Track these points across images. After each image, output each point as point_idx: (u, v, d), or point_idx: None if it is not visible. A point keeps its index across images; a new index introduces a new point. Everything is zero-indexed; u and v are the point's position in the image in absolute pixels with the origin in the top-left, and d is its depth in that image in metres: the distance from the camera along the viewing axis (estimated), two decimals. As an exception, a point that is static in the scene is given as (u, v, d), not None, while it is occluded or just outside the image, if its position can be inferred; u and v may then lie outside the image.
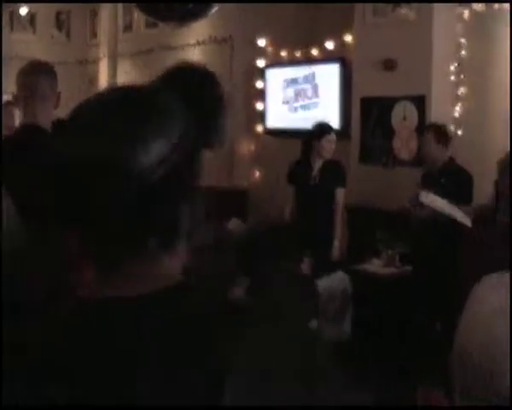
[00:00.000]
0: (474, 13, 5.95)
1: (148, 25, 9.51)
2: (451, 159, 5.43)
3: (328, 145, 5.69)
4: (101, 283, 1.07)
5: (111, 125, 1.03)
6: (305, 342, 1.21)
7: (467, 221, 4.67)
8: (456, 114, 6.07)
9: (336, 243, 5.64)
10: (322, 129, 5.78)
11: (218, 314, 1.05)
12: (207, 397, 0.97)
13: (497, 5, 5.77)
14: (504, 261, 4.36)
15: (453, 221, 4.95)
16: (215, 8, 5.30)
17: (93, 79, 10.85)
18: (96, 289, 1.07)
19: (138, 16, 9.70)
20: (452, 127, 6.03)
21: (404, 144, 6.02)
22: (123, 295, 1.04)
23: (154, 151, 1.02)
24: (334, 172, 5.71)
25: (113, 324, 1.01)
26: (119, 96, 1.10)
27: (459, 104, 6.06)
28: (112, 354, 0.99)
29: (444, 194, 5.01)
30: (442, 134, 5.40)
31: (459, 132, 6.05)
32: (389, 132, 6.26)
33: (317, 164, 5.73)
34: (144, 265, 1.06)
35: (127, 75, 10.11)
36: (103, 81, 10.56)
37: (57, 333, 1.04)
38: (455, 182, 5.19)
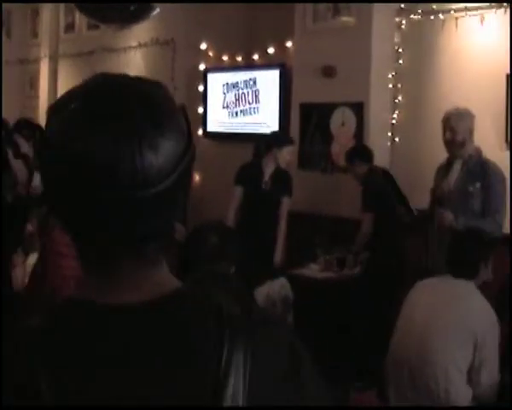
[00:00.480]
0: (411, 21, 6.06)
1: (90, 26, 9.41)
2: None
3: (288, 156, 5.75)
4: (97, 287, 1.03)
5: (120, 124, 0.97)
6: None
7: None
8: (394, 121, 6.18)
9: (278, 250, 5.64)
10: (287, 139, 5.92)
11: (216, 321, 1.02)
12: (206, 402, 0.97)
13: (433, 16, 5.88)
14: (439, 267, 4.46)
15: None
16: (157, 11, 5.29)
17: (33, 79, 10.71)
18: (90, 293, 1.03)
19: (80, 17, 9.59)
20: (390, 134, 6.13)
21: (343, 150, 6.09)
22: (126, 301, 1.01)
23: (169, 152, 0.99)
24: (284, 180, 5.71)
25: (120, 330, 1.00)
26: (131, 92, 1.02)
27: (396, 112, 6.17)
28: (118, 360, 0.98)
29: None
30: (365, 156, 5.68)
31: (396, 139, 6.15)
32: (328, 138, 6.33)
33: (269, 170, 5.71)
34: (145, 270, 1.03)
35: (68, 76, 10.01)
36: (44, 81, 10.43)
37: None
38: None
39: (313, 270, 5.71)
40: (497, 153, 5.53)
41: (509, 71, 5.47)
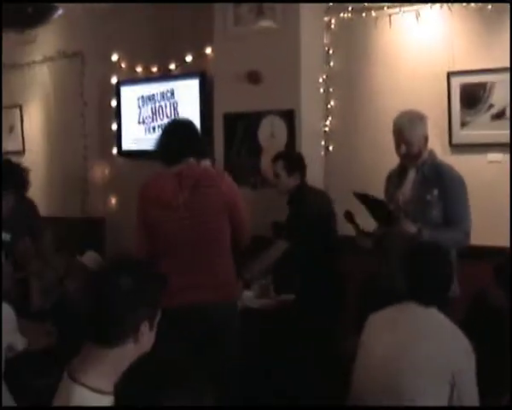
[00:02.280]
0: (341, 20, 5.58)
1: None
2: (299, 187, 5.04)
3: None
4: None
5: None
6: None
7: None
8: (327, 129, 5.68)
9: None
10: (201, 151, 5.23)
11: None
12: None
13: (364, 13, 5.43)
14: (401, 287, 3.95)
15: None
16: (59, 12, 4.64)
17: None
18: None
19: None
20: (323, 142, 5.63)
21: (273, 163, 5.54)
22: None
23: None
24: None
25: None
26: None
27: (329, 118, 5.67)
28: None
29: None
30: (293, 162, 5.06)
31: (330, 148, 5.66)
32: (256, 151, 5.77)
33: None
34: None
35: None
36: None
37: None
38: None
39: (248, 298, 5.14)
40: (441, 157, 5.08)
41: (449, 69, 5.06)
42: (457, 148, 5.09)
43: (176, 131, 4.07)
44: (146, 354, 1.99)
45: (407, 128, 4.13)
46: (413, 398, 2.84)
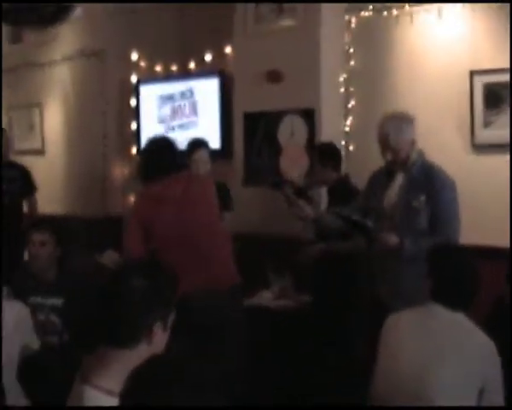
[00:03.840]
0: (361, 20, 5.52)
1: (12, 40, 8.70)
2: (343, 177, 5.03)
3: (200, 162, 5.10)
4: None
5: None
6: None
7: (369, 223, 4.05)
8: (347, 129, 5.62)
9: None
10: (193, 144, 5.23)
11: None
12: None
13: (385, 11, 5.37)
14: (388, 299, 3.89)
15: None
16: (76, 10, 4.62)
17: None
18: None
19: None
20: (343, 142, 5.57)
21: (293, 163, 5.50)
22: None
23: None
24: (219, 194, 5.07)
25: None
26: None
27: (350, 118, 5.61)
28: None
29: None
30: (329, 155, 5.01)
31: (351, 148, 5.60)
32: (276, 150, 5.73)
33: None
34: None
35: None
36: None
37: None
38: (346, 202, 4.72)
39: (266, 298, 5.10)
40: (462, 157, 5.06)
41: (471, 67, 4.98)
42: (480, 148, 5.01)
43: (160, 151, 4.22)
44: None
45: (393, 134, 3.93)
46: (445, 403, 2.76)
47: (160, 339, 2.06)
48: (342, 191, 4.87)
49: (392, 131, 3.95)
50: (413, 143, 3.99)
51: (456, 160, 4.96)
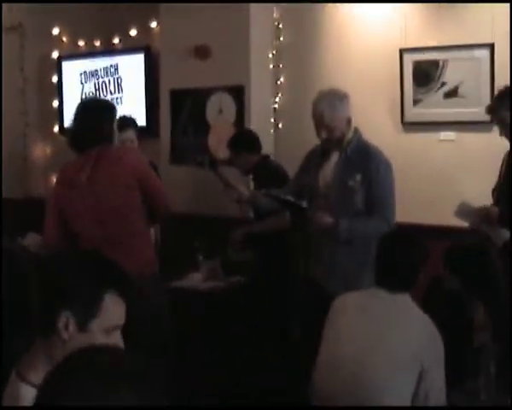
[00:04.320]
0: (291, -5, 5.42)
1: None
2: (263, 158, 4.94)
3: (127, 142, 4.85)
4: None
5: None
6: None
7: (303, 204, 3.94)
8: (276, 106, 5.52)
9: None
10: (121, 124, 5.01)
11: None
12: None
13: (315, -13, 5.27)
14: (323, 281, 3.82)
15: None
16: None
17: None
18: None
19: None
20: (272, 120, 5.46)
21: (221, 141, 5.37)
22: None
23: None
24: None
25: None
26: None
27: (279, 95, 5.51)
28: None
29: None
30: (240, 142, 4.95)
31: (280, 125, 5.50)
32: (204, 128, 5.58)
33: None
34: None
35: None
36: None
37: None
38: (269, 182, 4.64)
39: (195, 280, 4.97)
40: (393, 135, 5.03)
41: (401, 45, 4.94)
42: (409, 126, 4.99)
43: (82, 120, 3.91)
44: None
45: (327, 112, 3.83)
46: (383, 386, 2.71)
47: (74, 337, 1.87)
48: (264, 172, 4.80)
49: (327, 109, 3.85)
50: (348, 120, 3.91)
51: (387, 138, 4.91)
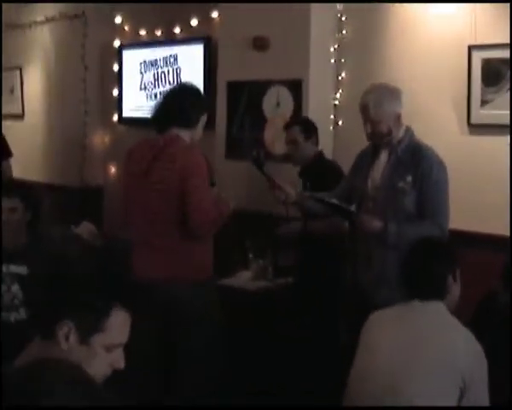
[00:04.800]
0: (354, -14, 5.19)
1: (-7, 0, 8.35)
2: (320, 154, 4.77)
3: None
4: None
5: None
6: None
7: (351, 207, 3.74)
8: (337, 102, 5.30)
9: None
10: None
11: None
12: None
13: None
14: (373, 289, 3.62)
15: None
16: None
17: None
18: None
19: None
20: (332, 116, 5.25)
21: (278, 136, 5.19)
22: None
23: None
24: None
25: None
26: None
27: (340, 90, 5.29)
28: None
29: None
30: (308, 128, 4.73)
31: (340, 122, 5.28)
32: (260, 122, 5.41)
33: None
34: None
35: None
36: None
37: None
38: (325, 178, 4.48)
39: (244, 279, 4.82)
40: (458, 137, 4.75)
41: (471, 42, 4.65)
42: (476, 128, 4.70)
43: (167, 98, 3.91)
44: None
45: (372, 104, 3.68)
46: (417, 400, 2.53)
47: (74, 348, 1.73)
48: (318, 167, 4.63)
49: (372, 102, 3.70)
50: (397, 117, 3.71)
51: (450, 140, 4.67)
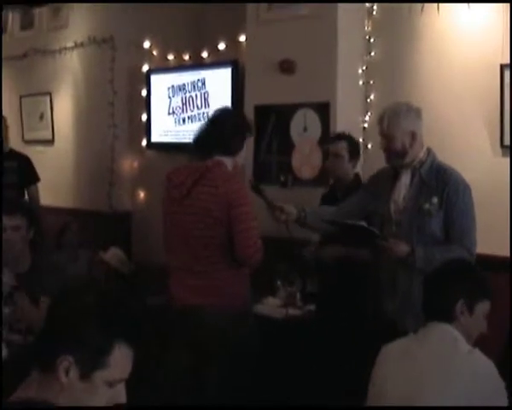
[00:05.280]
0: (384, 7, 5.11)
1: (23, 27, 8.42)
2: (357, 176, 4.64)
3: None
4: None
5: None
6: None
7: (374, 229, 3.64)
8: (366, 125, 5.21)
9: None
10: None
11: None
12: None
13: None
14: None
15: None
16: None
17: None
18: None
19: (13, 17, 8.60)
20: (361, 139, 5.15)
21: (306, 160, 5.11)
22: None
23: None
24: None
25: None
26: None
27: (369, 113, 5.20)
28: None
29: None
30: (354, 147, 4.62)
31: (369, 146, 5.18)
32: (288, 146, 5.34)
33: None
34: None
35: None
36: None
37: None
38: None
39: (272, 306, 4.72)
40: (490, 159, 4.62)
41: (502, 61, 4.54)
42: (509, 150, 4.57)
43: (208, 125, 3.86)
44: None
45: (387, 118, 3.60)
46: None
47: (75, 383, 1.67)
48: (356, 189, 4.49)
49: (387, 118, 3.62)
50: (412, 135, 3.59)
51: (483, 162, 4.56)
